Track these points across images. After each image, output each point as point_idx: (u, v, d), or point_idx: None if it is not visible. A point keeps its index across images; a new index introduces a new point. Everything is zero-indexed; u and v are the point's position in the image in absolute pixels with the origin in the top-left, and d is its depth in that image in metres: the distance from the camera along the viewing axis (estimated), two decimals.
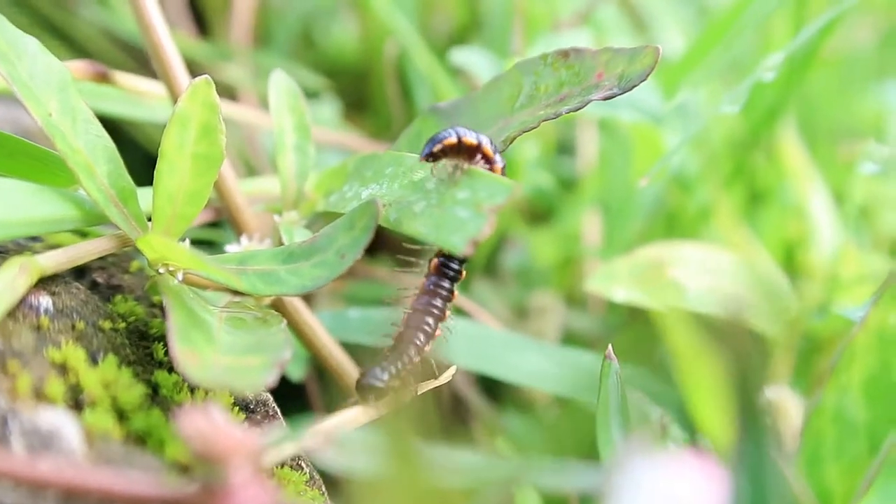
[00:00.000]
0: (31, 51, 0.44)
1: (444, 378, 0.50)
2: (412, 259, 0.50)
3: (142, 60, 0.89)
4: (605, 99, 0.44)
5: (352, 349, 0.57)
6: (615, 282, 0.66)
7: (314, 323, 0.54)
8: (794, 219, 0.82)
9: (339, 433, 0.39)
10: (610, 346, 0.48)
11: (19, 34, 0.44)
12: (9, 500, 0.34)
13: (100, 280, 0.51)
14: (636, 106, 0.68)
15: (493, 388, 0.76)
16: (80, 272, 0.51)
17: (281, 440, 0.41)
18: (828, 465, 0.47)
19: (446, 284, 0.49)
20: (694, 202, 0.82)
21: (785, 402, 0.58)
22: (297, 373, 0.66)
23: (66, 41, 0.88)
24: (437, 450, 0.37)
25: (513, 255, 0.87)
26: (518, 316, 0.83)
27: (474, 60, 0.72)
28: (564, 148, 0.94)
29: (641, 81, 0.43)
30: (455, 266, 0.49)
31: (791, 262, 0.80)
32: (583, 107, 0.44)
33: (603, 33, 0.81)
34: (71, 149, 0.43)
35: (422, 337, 0.49)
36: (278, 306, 0.53)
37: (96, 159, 0.45)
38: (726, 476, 0.31)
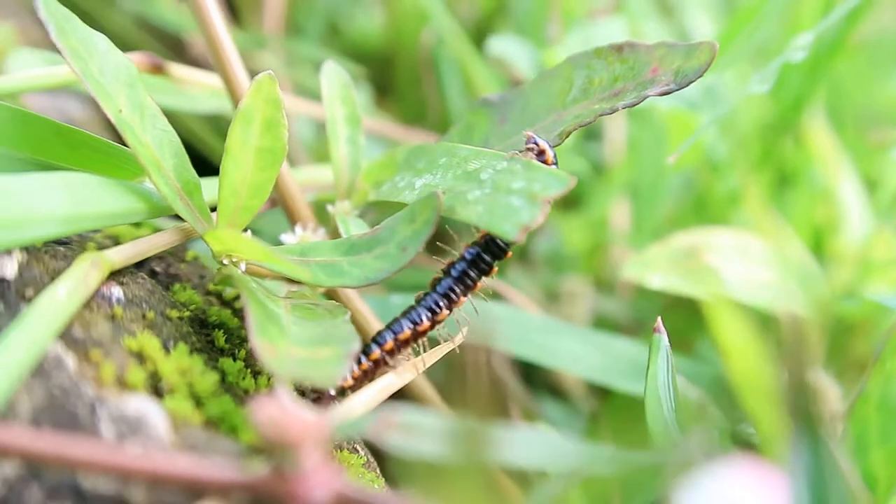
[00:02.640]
0: (102, 48, 0.45)
1: (457, 341, 0.50)
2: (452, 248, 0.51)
3: (176, 49, 0.90)
4: (662, 94, 0.45)
5: None
6: (651, 268, 0.67)
7: (365, 310, 0.56)
8: (823, 203, 0.83)
9: (405, 417, 0.40)
10: (659, 319, 0.48)
11: (90, 32, 0.45)
12: (101, 488, 0.35)
13: (158, 269, 0.52)
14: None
15: (528, 373, 0.77)
16: (138, 262, 0.52)
17: (350, 424, 0.42)
18: (872, 451, 0.48)
19: (487, 258, 0.49)
20: (723, 187, 0.83)
21: (822, 387, 0.59)
22: None
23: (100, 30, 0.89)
24: (503, 432, 0.37)
25: (544, 241, 0.88)
26: (549, 300, 0.84)
27: (511, 49, 0.72)
28: (591, 134, 0.95)
29: (698, 77, 0.44)
30: (501, 244, 0.49)
31: (820, 246, 0.81)
32: (640, 101, 0.45)
33: (635, 20, 0.82)
34: (140, 143, 0.44)
35: (443, 302, 0.50)
36: (331, 294, 0.54)
37: (163, 154, 0.46)
38: (786, 479, 0.32)
